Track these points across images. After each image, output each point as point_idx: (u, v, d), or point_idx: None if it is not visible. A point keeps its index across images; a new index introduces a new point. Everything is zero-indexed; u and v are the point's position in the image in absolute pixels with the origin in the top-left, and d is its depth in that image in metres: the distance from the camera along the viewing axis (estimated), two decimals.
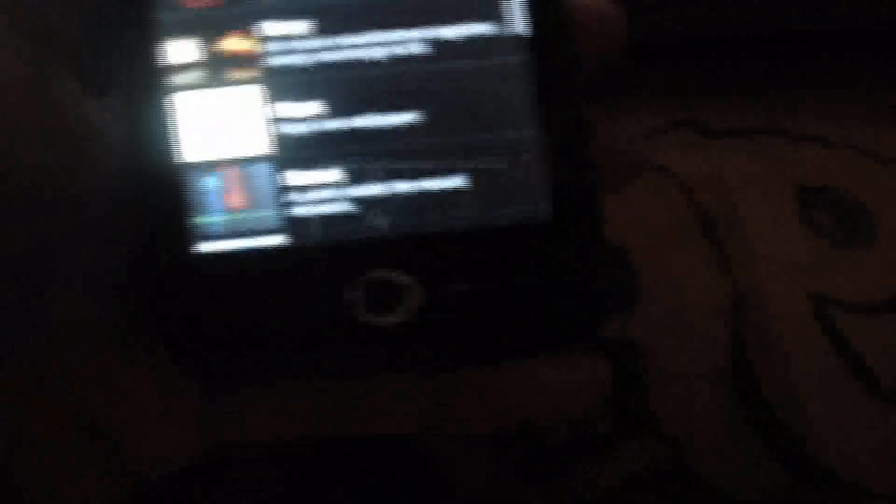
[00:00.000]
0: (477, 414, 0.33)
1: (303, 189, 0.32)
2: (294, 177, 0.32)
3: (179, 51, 0.33)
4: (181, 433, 0.32)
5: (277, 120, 0.32)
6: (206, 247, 0.32)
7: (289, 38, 0.33)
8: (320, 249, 0.32)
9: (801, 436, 0.41)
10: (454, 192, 0.32)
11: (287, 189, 0.32)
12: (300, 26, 0.33)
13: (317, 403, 0.33)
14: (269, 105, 0.33)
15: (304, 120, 0.33)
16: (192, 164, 0.32)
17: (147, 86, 0.32)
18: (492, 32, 0.33)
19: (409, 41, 0.33)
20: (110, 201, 0.32)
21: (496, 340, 0.33)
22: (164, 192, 0.32)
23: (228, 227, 0.32)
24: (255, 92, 0.33)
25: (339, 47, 0.33)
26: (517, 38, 0.33)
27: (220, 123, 0.33)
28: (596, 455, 0.40)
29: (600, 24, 0.33)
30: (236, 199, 0.32)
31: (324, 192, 0.32)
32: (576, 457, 0.39)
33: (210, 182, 0.32)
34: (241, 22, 0.33)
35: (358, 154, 0.32)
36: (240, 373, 0.32)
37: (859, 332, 0.42)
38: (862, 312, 0.43)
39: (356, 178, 0.32)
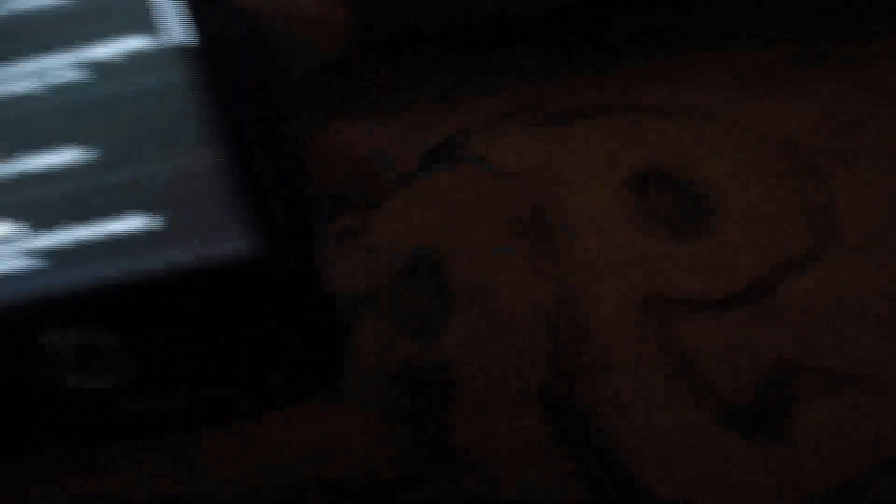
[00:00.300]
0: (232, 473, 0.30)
1: None
2: None
3: None
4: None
5: None
6: None
7: None
8: (3, 312, 0.28)
9: (617, 454, 0.36)
10: (139, 234, 0.28)
11: None
12: None
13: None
14: None
15: None
16: None
17: None
18: (149, 47, 0.28)
19: (60, 68, 0.28)
20: None
21: (227, 397, 0.29)
22: None
23: None
24: None
25: None
26: (180, 51, 0.28)
27: None
28: (405, 491, 0.36)
29: (309, 27, 0.29)
30: None
31: None
32: (385, 493, 0.36)
33: None
34: None
35: (25, 202, 0.28)
36: None
37: (697, 334, 0.38)
38: (700, 311, 0.39)
39: (29, 228, 0.28)
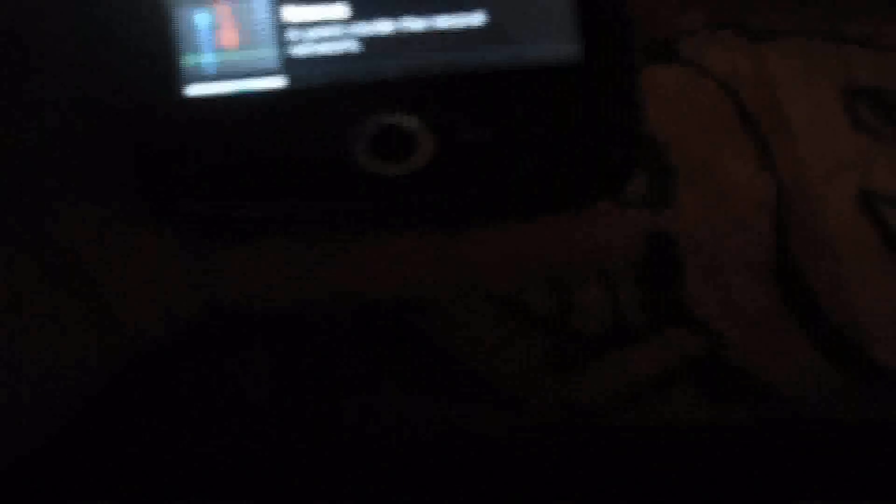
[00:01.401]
0: (498, 272, 0.31)
1: (303, 26, 0.30)
2: (293, 12, 0.30)
3: None
4: (175, 294, 0.31)
5: None
6: (196, 89, 0.29)
7: None
8: (322, 92, 0.29)
9: (849, 330, 0.38)
10: (471, 30, 0.29)
11: (286, 26, 0.30)
12: None
13: (317, 263, 0.31)
14: None
15: None
16: None
17: None
18: None
19: None
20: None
21: (515, 195, 0.30)
22: (151, 29, 0.29)
23: (221, 68, 0.30)
24: None
25: None
26: None
27: None
28: (630, 345, 0.37)
29: None
30: (230, 37, 0.30)
31: (326, 29, 0.29)
32: (609, 346, 0.37)
33: (201, 18, 0.29)
34: None
35: None
36: (235, 224, 0.30)
37: None
38: None
39: (362, 13, 0.29)
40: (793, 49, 0.44)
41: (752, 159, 0.40)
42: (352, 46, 0.29)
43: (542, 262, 0.31)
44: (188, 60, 0.29)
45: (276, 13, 0.30)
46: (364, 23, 0.29)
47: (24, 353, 0.29)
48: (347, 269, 0.30)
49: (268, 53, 0.30)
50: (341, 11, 0.29)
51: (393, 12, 0.29)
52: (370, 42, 0.29)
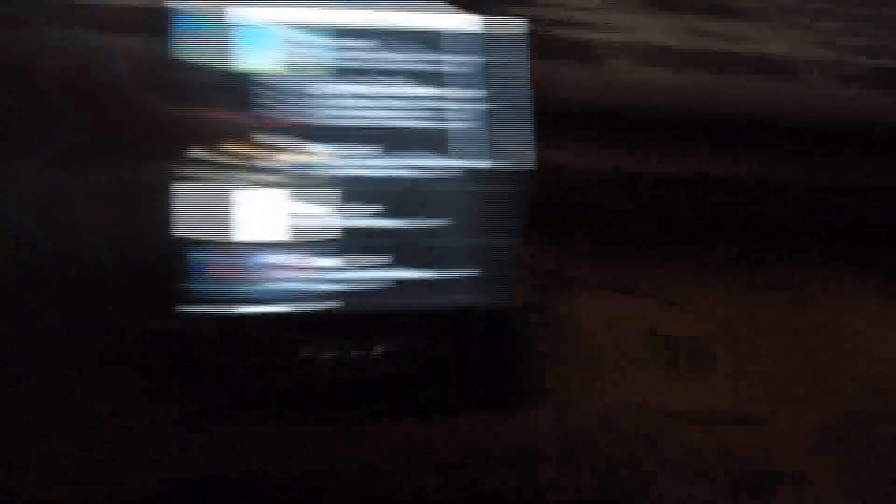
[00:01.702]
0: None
1: (287, 269, 0.41)
2: (286, 259, 0.41)
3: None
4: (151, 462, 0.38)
5: (293, 215, 0.41)
6: (196, 309, 0.39)
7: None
8: (285, 318, 0.40)
9: None
10: (451, 280, 0.42)
11: (273, 268, 0.41)
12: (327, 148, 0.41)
13: (285, 443, 0.40)
14: (286, 202, 0.41)
15: (313, 216, 0.41)
16: (193, 241, 0.40)
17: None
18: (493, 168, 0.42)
19: (433, 167, 0.42)
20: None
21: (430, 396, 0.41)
22: (163, 262, 0.39)
23: (218, 294, 0.40)
24: (277, 194, 0.41)
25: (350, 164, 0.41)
26: (508, 174, 0.42)
27: (222, 211, 0.40)
28: None
29: None
30: (228, 273, 0.40)
31: (313, 273, 0.41)
32: None
33: (206, 257, 0.40)
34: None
35: (354, 248, 0.41)
36: (221, 409, 0.39)
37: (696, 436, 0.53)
38: (696, 423, 0.53)
39: (342, 266, 0.41)
40: (605, 300, 0.57)
41: (588, 383, 0.53)
42: (319, 286, 0.41)
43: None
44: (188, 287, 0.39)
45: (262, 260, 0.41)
46: (343, 272, 0.41)
47: None
48: (316, 447, 0.40)
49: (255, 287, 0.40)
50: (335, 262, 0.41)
51: (365, 267, 0.41)
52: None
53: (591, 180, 0.54)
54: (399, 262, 0.40)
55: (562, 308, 0.52)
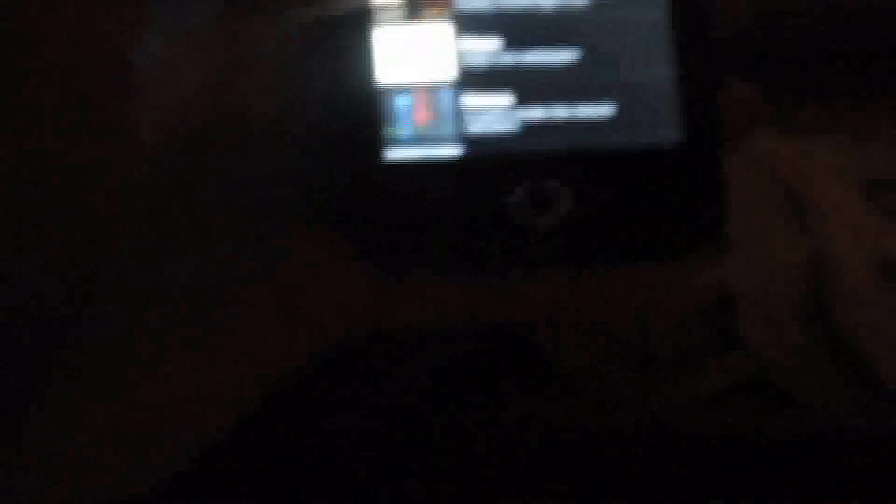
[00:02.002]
0: (595, 309, 0.39)
1: (478, 110, 0.39)
2: (471, 100, 0.39)
3: None
4: (353, 311, 0.38)
5: (461, 52, 0.39)
6: (394, 153, 0.39)
7: None
8: (488, 161, 0.39)
9: (866, 359, 0.47)
10: (602, 119, 0.39)
11: (464, 109, 0.39)
12: None
13: (469, 294, 0.39)
14: (455, 39, 0.39)
15: (483, 53, 0.39)
16: (389, 86, 0.39)
17: (356, 22, 0.39)
18: None
19: None
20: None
21: (630, 245, 0.39)
22: (365, 108, 0.39)
23: (414, 138, 0.39)
24: (444, 28, 0.39)
25: None
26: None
27: (413, 53, 0.39)
28: (697, 367, 0.46)
29: None
30: (422, 116, 0.39)
31: (495, 113, 0.39)
32: (680, 367, 0.46)
33: (402, 101, 0.39)
34: None
35: (525, 84, 0.39)
36: (414, 260, 0.39)
37: None
38: None
39: (522, 103, 0.39)
40: (825, 145, 0.54)
41: (791, 231, 0.50)
42: (513, 127, 0.39)
43: (646, 303, 0.39)
44: (389, 132, 0.39)
45: (457, 100, 0.39)
46: (523, 110, 0.39)
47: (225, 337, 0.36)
48: (492, 302, 0.38)
49: (449, 129, 0.39)
50: (506, 100, 0.39)
51: (545, 102, 0.39)
52: (527, 125, 0.39)
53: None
54: (583, 98, 0.39)
55: (766, 149, 0.50)
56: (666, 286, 0.39)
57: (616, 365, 0.45)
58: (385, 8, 0.39)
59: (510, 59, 0.39)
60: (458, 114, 0.39)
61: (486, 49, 0.39)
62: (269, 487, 0.45)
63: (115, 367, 0.35)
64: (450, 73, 0.39)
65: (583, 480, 0.47)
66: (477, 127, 0.39)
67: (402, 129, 0.39)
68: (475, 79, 0.39)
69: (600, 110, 0.39)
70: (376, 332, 0.38)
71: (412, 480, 0.46)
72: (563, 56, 0.39)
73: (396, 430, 0.46)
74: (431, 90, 0.39)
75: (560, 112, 0.39)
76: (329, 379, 0.42)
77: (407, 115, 0.39)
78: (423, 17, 0.39)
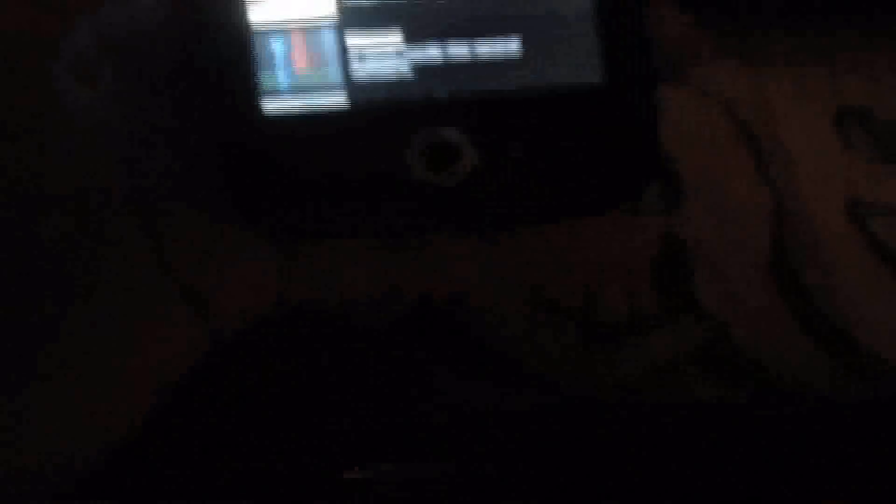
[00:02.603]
0: (529, 273, 0.35)
1: (364, 51, 0.34)
2: (355, 40, 0.34)
3: None
4: (259, 290, 0.35)
5: None
6: (271, 105, 0.34)
7: None
8: (379, 109, 0.34)
9: (838, 320, 0.42)
10: (509, 58, 0.34)
11: (349, 51, 0.34)
12: None
13: (377, 264, 0.35)
14: None
15: None
16: (260, 25, 0.34)
17: None
18: None
19: None
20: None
21: (548, 201, 0.34)
22: (234, 53, 0.34)
23: (293, 87, 0.34)
24: None
25: None
26: None
27: None
28: (646, 332, 0.41)
29: None
30: (301, 60, 0.34)
31: (383, 55, 0.34)
32: (628, 334, 0.41)
33: (277, 44, 0.34)
34: None
35: (416, 20, 0.34)
36: (306, 226, 0.34)
37: (891, 232, 0.44)
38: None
39: (414, 42, 0.34)
40: (789, 75, 0.49)
41: (750, 173, 0.45)
42: (405, 70, 0.34)
43: (573, 261, 0.35)
44: (266, 79, 0.34)
45: (340, 41, 0.34)
46: (415, 49, 0.34)
47: (118, 329, 0.34)
48: (403, 268, 0.35)
49: (333, 75, 0.34)
50: (396, 39, 0.34)
51: (441, 40, 0.34)
52: (421, 67, 0.34)
53: None
54: (485, 33, 0.34)
55: (722, 84, 0.45)
56: (608, 242, 0.35)
57: (557, 335, 0.41)
58: None
59: None
60: (342, 57, 0.34)
61: None
62: (182, 480, 0.41)
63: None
64: (330, 9, 0.34)
65: (528, 467, 0.42)
66: (364, 71, 0.34)
67: (280, 77, 0.34)
68: (359, 15, 0.34)
69: (506, 47, 0.34)
70: (281, 310, 0.36)
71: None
72: None
73: (308, 423, 0.42)
74: (310, 30, 0.34)
75: (458, 50, 0.34)
76: (230, 367, 0.39)
77: (284, 60, 0.34)
78: None
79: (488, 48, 0.34)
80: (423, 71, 0.34)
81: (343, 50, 0.34)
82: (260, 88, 0.34)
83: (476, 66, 0.34)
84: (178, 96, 0.34)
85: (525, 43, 0.34)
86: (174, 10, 0.34)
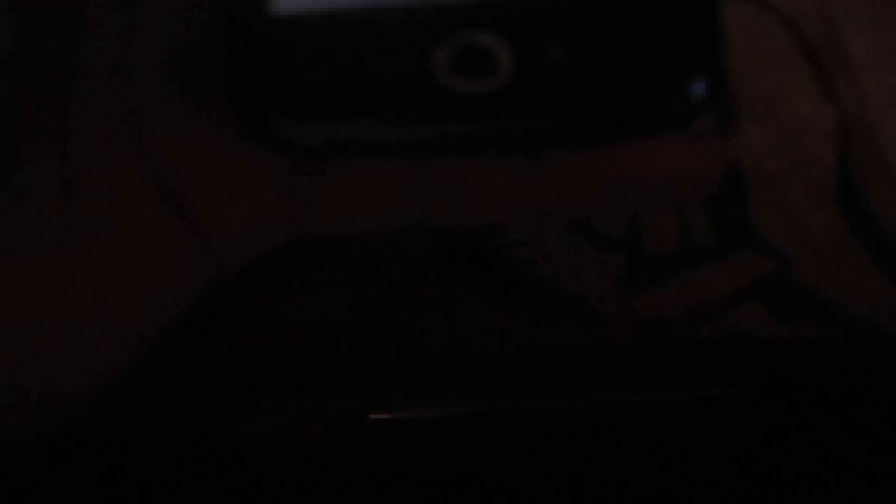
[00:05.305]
0: (573, 199, 0.32)
1: None
2: None
3: None
4: (266, 219, 0.32)
5: None
6: (283, 5, 0.31)
7: None
8: (406, 8, 0.31)
9: None
10: None
11: None
12: None
13: (402, 192, 0.31)
14: None
15: None
16: None
17: None
18: None
19: None
20: None
21: (594, 116, 0.31)
22: None
23: None
24: None
25: None
26: None
27: None
28: (702, 266, 0.39)
29: None
30: None
31: None
32: (679, 268, 0.39)
33: None
34: None
35: None
36: (319, 142, 0.31)
37: None
38: None
39: None
40: None
41: (815, 93, 0.42)
42: None
43: (622, 189, 0.32)
44: None
45: None
46: None
47: (119, 259, 0.31)
48: (429, 193, 0.32)
49: None
50: None
51: None
52: None
53: None
54: None
55: None
56: (658, 168, 0.31)
57: (602, 268, 0.38)
58: None
59: None
60: None
61: None
62: (176, 421, 0.40)
63: None
64: None
65: (564, 411, 0.40)
66: None
67: None
68: None
69: None
70: (294, 240, 0.32)
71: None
72: None
73: (324, 359, 0.39)
74: None
75: None
76: (238, 300, 0.36)
77: None
78: None
79: None
80: None
81: None
82: None
83: None
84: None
85: None
86: None
